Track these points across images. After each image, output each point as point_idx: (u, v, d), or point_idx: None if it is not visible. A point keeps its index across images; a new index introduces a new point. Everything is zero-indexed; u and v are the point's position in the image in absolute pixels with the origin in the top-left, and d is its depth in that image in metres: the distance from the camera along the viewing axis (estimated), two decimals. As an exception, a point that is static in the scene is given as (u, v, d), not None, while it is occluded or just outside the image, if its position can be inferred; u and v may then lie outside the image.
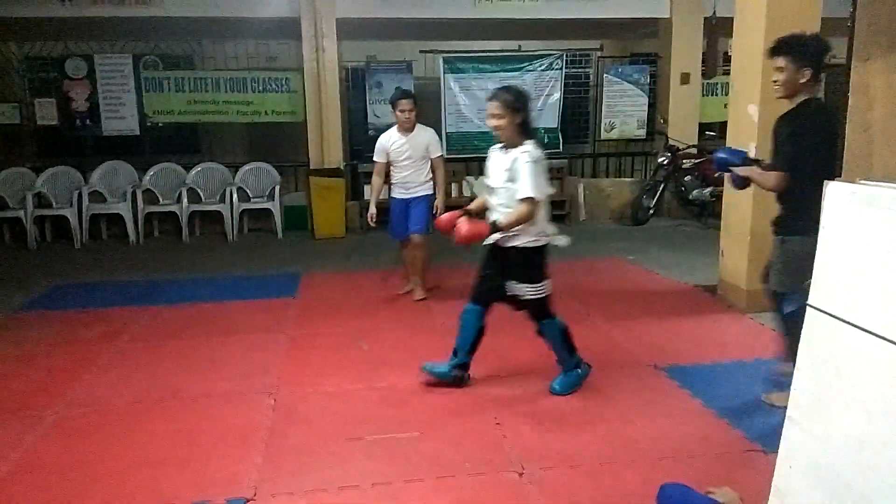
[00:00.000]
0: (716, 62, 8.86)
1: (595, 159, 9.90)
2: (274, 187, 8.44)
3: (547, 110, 9.10)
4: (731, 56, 5.41)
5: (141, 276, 6.42)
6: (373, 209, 5.21)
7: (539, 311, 3.48)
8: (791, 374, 2.09)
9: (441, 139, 5.89)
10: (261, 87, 8.67)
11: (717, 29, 8.34)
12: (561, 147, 9.20)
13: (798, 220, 3.11)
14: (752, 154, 3.69)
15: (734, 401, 3.44)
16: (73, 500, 2.66)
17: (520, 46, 9.44)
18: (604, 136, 9.41)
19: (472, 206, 3.62)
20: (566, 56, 9.09)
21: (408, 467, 2.86)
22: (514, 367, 3.93)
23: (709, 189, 8.24)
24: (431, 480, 2.76)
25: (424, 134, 5.13)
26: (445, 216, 3.58)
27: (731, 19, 5.07)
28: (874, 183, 1.91)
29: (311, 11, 8.13)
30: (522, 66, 9.01)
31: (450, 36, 9.63)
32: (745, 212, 4.95)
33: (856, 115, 4.40)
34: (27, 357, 4.25)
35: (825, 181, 3.16)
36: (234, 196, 8.25)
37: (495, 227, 3.28)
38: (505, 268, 3.42)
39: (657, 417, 3.31)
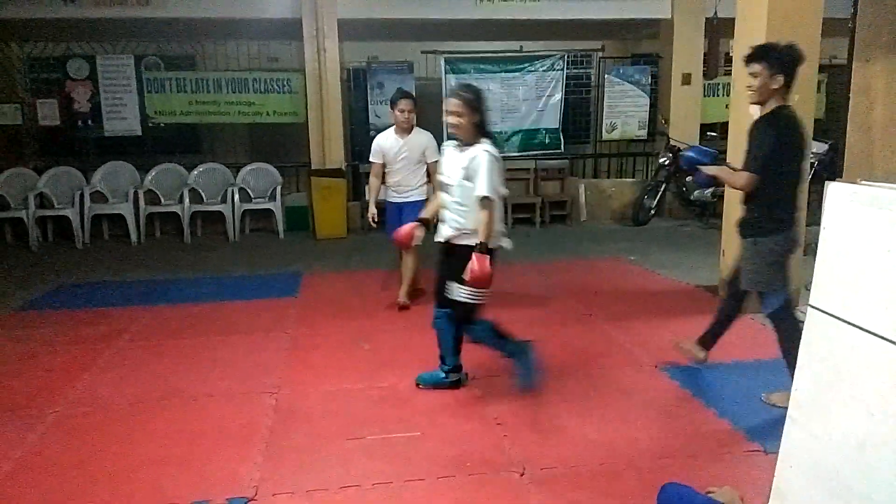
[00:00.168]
0: (717, 63, 8.87)
1: (596, 160, 9.91)
2: (275, 188, 8.46)
3: (548, 111, 9.12)
4: (732, 56, 5.41)
5: (142, 276, 6.43)
6: (372, 209, 5.19)
7: (465, 315, 3.38)
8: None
9: (442, 139, 5.87)
10: (262, 88, 8.69)
11: (719, 29, 8.36)
12: (562, 147, 9.22)
13: (769, 222, 3.25)
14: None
15: (734, 401, 3.44)
16: (74, 500, 2.67)
17: (521, 47, 9.44)
18: (605, 136, 9.41)
19: (427, 213, 3.61)
20: (567, 57, 9.10)
21: (408, 467, 2.86)
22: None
23: (710, 189, 8.24)
24: (432, 480, 2.76)
25: (422, 137, 5.09)
26: (404, 230, 3.59)
27: (733, 20, 5.06)
28: (875, 183, 1.91)
29: (313, 12, 8.15)
30: (524, 66, 9.02)
31: (451, 36, 9.64)
32: (746, 212, 4.94)
33: (857, 116, 4.42)
34: (28, 356, 4.25)
35: (794, 185, 3.27)
36: (236, 196, 8.26)
37: (483, 248, 3.21)
38: (451, 266, 3.36)
39: (657, 417, 3.31)
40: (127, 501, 2.65)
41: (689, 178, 8.57)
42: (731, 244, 5.23)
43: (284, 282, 6.05)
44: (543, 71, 9.02)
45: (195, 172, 8.48)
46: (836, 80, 8.03)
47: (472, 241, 3.27)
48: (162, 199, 8.35)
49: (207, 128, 9.33)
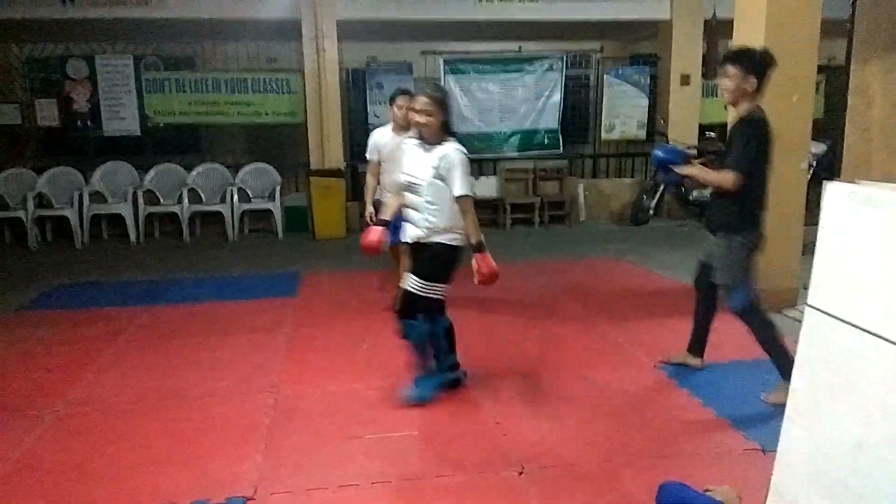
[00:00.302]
0: (716, 63, 8.84)
1: (595, 160, 9.92)
2: (274, 188, 8.46)
3: (547, 111, 9.13)
4: (730, 57, 5.41)
5: (141, 276, 6.43)
6: (370, 209, 5.18)
7: (424, 308, 3.33)
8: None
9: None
10: (261, 88, 8.69)
11: (717, 30, 8.35)
12: (561, 148, 9.23)
13: (742, 220, 3.38)
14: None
15: (733, 400, 3.44)
16: (73, 500, 2.67)
17: (520, 48, 9.45)
18: (604, 136, 9.43)
19: (388, 215, 3.59)
20: (566, 57, 9.11)
21: (407, 466, 2.87)
22: (514, 367, 3.94)
23: (709, 189, 8.23)
24: (431, 480, 2.77)
25: None
26: (372, 237, 3.54)
27: (731, 21, 5.07)
28: (873, 183, 1.91)
29: (312, 13, 8.15)
30: (523, 67, 9.04)
31: (450, 37, 9.66)
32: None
33: (855, 117, 4.43)
34: (27, 356, 4.25)
35: (764, 184, 3.34)
36: (235, 197, 8.26)
37: (479, 247, 3.23)
38: (422, 262, 3.35)
39: (657, 417, 3.32)
40: (127, 501, 2.65)
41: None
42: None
43: (283, 282, 6.05)
44: (543, 72, 9.03)
45: (194, 173, 8.47)
46: (835, 80, 8.06)
47: (443, 239, 3.29)
48: (161, 200, 8.35)
49: (206, 128, 9.33)
